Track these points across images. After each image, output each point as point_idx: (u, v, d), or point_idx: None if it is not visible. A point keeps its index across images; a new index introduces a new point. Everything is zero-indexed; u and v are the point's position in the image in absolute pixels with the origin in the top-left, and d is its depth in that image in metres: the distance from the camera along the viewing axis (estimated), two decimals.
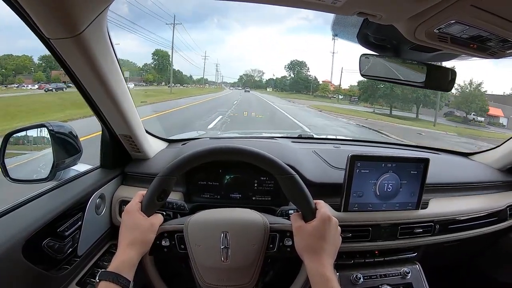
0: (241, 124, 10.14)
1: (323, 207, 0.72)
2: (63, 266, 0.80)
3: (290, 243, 0.74)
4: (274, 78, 68.31)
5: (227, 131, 6.72)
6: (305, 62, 60.13)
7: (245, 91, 48.99)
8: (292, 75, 60.35)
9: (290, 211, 0.91)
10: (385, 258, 1.07)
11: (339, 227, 0.72)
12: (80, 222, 0.86)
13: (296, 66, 59.94)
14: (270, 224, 0.74)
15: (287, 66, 62.28)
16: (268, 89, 63.72)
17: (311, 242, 0.68)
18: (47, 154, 0.94)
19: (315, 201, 0.74)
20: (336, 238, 0.71)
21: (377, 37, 0.87)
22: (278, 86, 64.80)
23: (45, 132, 0.94)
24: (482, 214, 1.18)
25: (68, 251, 0.81)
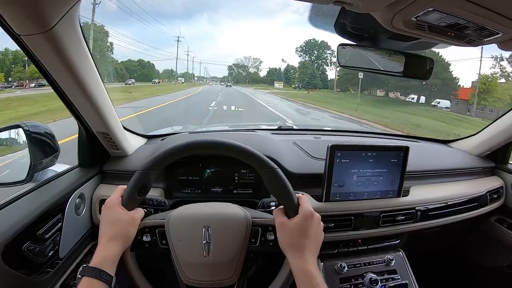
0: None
1: (305, 203, 0.71)
2: (46, 269, 0.78)
3: (273, 237, 0.74)
4: (286, 65, 45.66)
5: (208, 125, 6.46)
6: (327, 43, 40.39)
7: (226, 86, 39.65)
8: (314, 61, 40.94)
9: (272, 203, 0.91)
10: (369, 246, 1.09)
11: (321, 223, 0.72)
12: (60, 224, 0.84)
13: (315, 49, 41.24)
14: (252, 218, 0.74)
15: (300, 49, 43.25)
16: (277, 85, 42.46)
17: (293, 239, 0.68)
18: (23, 155, 0.92)
19: (297, 195, 0.73)
20: (318, 234, 0.71)
21: (354, 26, 0.87)
22: (294, 80, 42.68)
23: (20, 133, 0.92)
24: (462, 200, 1.20)
25: (50, 254, 0.79)
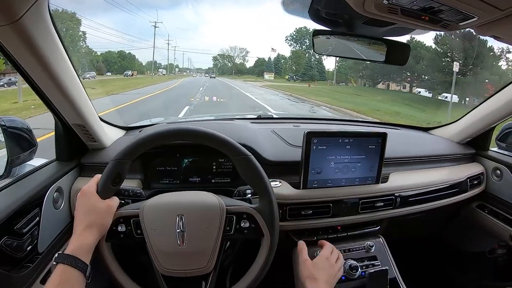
0: None
1: (326, 248, 0.92)
2: (25, 264, 0.77)
3: (247, 225, 0.74)
4: (276, 55, 43.69)
5: (187, 116, 6.18)
6: None
7: (210, 78, 38.49)
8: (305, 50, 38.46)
9: (248, 191, 0.91)
10: (348, 233, 1.09)
11: (339, 260, 0.91)
12: (38, 218, 0.83)
13: (307, 38, 39.04)
14: (226, 206, 0.74)
15: (290, 38, 42.46)
16: (267, 76, 40.08)
17: (311, 273, 0.83)
18: (1, 151, 0.92)
19: (321, 241, 0.94)
20: (332, 268, 0.87)
21: (328, 12, 0.86)
22: (285, 71, 41.07)
23: None
24: (443, 186, 1.21)
25: (28, 249, 0.78)
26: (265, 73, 42.88)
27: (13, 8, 0.57)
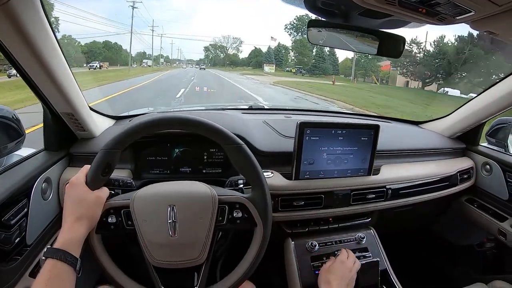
0: None
1: (342, 254, 0.98)
2: (13, 257, 0.75)
3: (240, 215, 0.73)
4: (276, 44, 38.99)
5: (177, 106, 6.26)
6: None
7: (200, 69, 36.37)
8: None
9: (240, 181, 0.91)
10: (340, 225, 1.10)
11: (356, 264, 0.96)
12: (26, 209, 0.81)
13: None
14: (218, 196, 0.73)
15: (290, 27, 37.96)
16: (267, 68, 35.75)
17: (326, 278, 0.91)
18: None
19: (340, 250, 1.01)
20: (349, 271, 0.93)
21: (325, 2, 0.86)
22: (287, 62, 37.18)
23: None
24: (433, 179, 1.22)
25: (16, 241, 0.76)
26: (264, 64, 37.53)
27: None
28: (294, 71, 33.78)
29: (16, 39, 0.67)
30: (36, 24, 0.68)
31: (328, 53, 32.52)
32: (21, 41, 0.67)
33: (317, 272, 0.98)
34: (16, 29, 0.64)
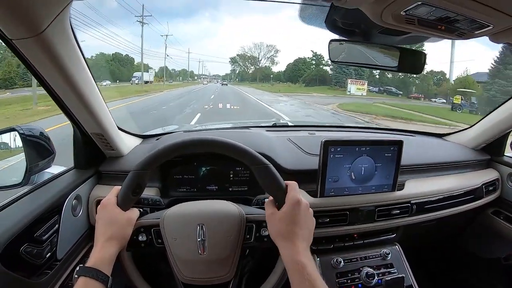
0: None
1: (292, 190, 0.69)
2: (44, 271, 0.78)
3: (267, 233, 0.74)
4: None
5: (202, 124, 5.90)
6: None
7: (222, 85, 31.87)
8: None
9: (266, 200, 0.92)
10: (365, 241, 1.09)
11: (310, 209, 0.70)
12: (57, 225, 0.85)
13: None
14: (246, 214, 0.75)
15: None
16: (354, 88, 23.29)
17: (282, 228, 0.66)
18: (20, 158, 0.93)
19: (286, 182, 0.71)
20: (308, 220, 0.69)
21: (345, 22, 0.87)
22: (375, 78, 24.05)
23: (16, 136, 0.92)
24: (458, 193, 1.20)
25: (47, 256, 0.79)
26: (350, 81, 23.82)
27: (37, 21, 0.58)
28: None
29: (51, 66, 0.70)
30: (69, 50, 0.71)
31: None
32: (55, 68, 0.70)
33: None
34: (51, 57, 0.67)
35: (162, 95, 19.36)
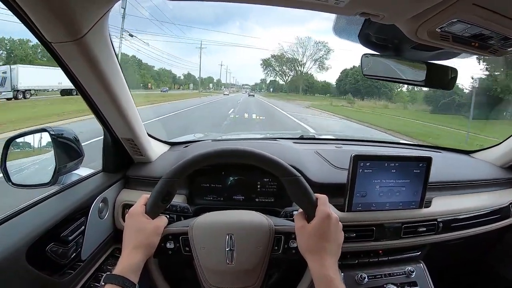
0: None
1: (321, 205, 0.69)
2: (67, 271, 0.80)
3: (295, 245, 0.73)
4: None
5: (228, 133, 6.27)
6: None
7: (248, 96, 26.16)
8: None
9: (294, 212, 0.91)
10: (390, 258, 1.07)
11: (340, 223, 0.69)
12: (83, 227, 0.86)
13: None
14: (275, 226, 0.74)
15: None
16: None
17: (312, 243, 0.66)
18: (49, 158, 0.94)
19: (316, 195, 0.72)
20: (338, 235, 0.68)
21: (378, 37, 0.87)
22: None
23: (46, 137, 0.94)
24: (485, 212, 1.18)
25: (72, 256, 0.80)
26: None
27: (78, 26, 0.59)
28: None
29: (89, 70, 0.71)
30: (106, 55, 0.73)
31: None
32: (92, 72, 0.72)
33: None
34: (89, 62, 0.68)
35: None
